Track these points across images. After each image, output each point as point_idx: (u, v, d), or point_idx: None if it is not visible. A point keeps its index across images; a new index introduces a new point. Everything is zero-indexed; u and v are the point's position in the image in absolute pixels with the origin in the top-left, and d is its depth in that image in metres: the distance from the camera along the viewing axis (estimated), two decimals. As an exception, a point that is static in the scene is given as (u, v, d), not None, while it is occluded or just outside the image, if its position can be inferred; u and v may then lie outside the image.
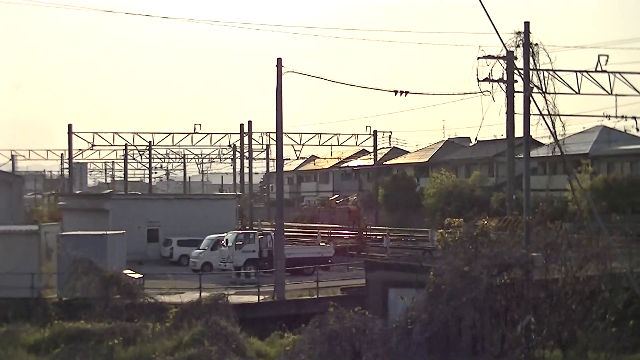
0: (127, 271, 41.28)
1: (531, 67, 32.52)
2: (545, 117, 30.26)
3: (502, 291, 25.13)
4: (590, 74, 38.72)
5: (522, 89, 34.21)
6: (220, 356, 25.93)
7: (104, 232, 44.16)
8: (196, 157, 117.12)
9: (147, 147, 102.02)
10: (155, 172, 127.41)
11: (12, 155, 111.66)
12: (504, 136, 43.31)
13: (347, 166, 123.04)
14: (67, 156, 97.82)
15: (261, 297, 41.46)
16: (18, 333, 31.33)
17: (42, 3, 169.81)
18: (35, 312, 35.01)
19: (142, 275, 41.88)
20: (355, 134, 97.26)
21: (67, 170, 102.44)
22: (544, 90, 31.68)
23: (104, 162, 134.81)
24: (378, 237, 71.45)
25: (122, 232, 45.58)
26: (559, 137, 31.07)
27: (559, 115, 31.50)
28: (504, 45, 30.23)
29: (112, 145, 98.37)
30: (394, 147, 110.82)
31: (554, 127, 30.37)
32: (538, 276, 25.26)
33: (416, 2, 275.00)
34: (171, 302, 35.55)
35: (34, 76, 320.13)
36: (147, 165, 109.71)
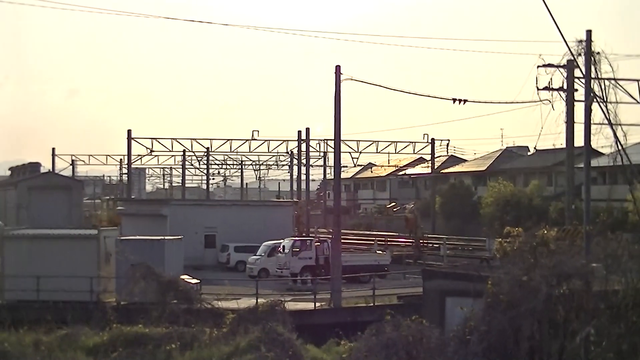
0: (184, 276, 41.56)
1: (592, 75, 32.15)
2: (606, 126, 29.91)
3: (561, 302, 24.81)
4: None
5: (581, 98, 33.87)
6: (276, 362, 25.94)
7: (162, 237, 44.49)
8: (254, 163, 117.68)
9: (205, 153, 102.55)
10: (213, 178, 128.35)
11: (72, 160, 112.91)
12: (563, 145, 42.89)
13: (405, 174, 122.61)
14: (126, 161, 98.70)
15: (317, 304, 41.48)
16: (77, 336, 31.67)
17: (102, 10, 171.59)
18: (93, 316, 35.31)
19: (199, 281, 42.13)
20: (412, 142, 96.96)
21: (126, 175, 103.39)
22: (605, 99, 31.26)
23: (162, 168, 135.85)
24: (435, 245, 71.13)
25: (179, 237, 45.88)
26: (620, 147, 30.65)
27: (620, 124, 31.08)
28: (570, 51, 29.94)
29: (170, 151, 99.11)
30: (452, 155, 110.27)
31: (615, 137, 29.99)
32: (598, 287, 24.91)
33: (475, 10, 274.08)
34: (228, 308, 35.69)
35: (93, 82, 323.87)
36: (205, 171, 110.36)
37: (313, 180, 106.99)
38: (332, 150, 50.91)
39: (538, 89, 35.66)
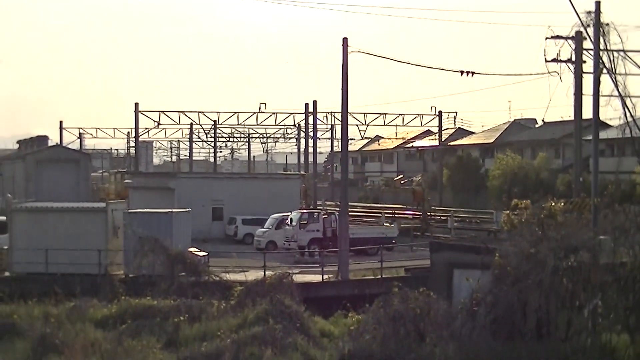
0: (192, 249, 41.66)
1: (601, 47, 31.97)
2: (615, 97, 29.77)
3: (569, 274, 24.82)
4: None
5: (590, 70, 33.70)
6: (284, 335, 26.00)
7: (170, 210, 44.55)
8: (261, 136, 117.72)
9: (213, 126, 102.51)
10: (220, 151, 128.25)
11: (80, 133, 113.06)
12: (571, 117, 42.75)
13: (412, 147, 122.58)
14: (133, 134, 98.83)
15: (325, 277, 41.56)
16: (86, 308, 31.79)
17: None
18: (102, 288, 35.46)
19: (207, 254, 42.21)
20: (420, 115, 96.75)
21: (134, 148, 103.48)
22: (614, 70, 31.10)
23: (170, 141, 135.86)
24: (442, 218, 71.14)
25: (187, 210, 45.94)
26: (629, 119, 30.54)
27: (629, 96, 30.94)
28: (580, 21, 29.75)
29: (177, 124, 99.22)
30: (459, 127, 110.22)
31: (624, 108, 29.86)
32: (605, 259, 24.92)
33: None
34: (236, 281, 35.80)
35: (101, 55, 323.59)
36: (212, 144, 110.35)
37: (320, 153, 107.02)
38: (340, 122, 50.85)
39: (546, 61, 35.44)
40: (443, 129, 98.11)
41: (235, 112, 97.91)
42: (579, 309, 24.58)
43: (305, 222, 54.96)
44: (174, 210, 45.34)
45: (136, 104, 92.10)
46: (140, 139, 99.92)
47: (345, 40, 42.00)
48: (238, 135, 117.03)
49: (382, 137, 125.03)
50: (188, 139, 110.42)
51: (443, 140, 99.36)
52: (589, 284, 24.76)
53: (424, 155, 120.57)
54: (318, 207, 71.92)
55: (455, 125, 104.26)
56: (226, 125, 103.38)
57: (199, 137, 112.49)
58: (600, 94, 32.53)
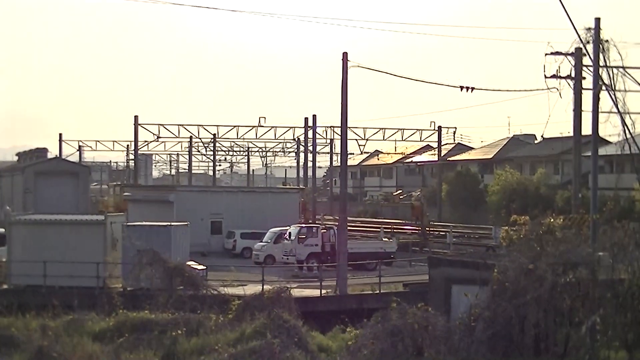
0: (190, 262, 41.61)
1: (601, 63, 32.02)
2: (614, 114, 29.82)
3: (567, 290, 24.77)
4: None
5: (590, 86, 33.74)
6: (282, 349, 25.95)
7: (169, 224, 44.52)
8: (260, 150, 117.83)
9: (212, 140, 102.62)
10: (220, 165, 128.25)
11: (80, 146, 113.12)
12: (571, 133, 42.76)
13: (411, 161, 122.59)
14: (132, 147, 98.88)
15: (323, 291, 41.51)
16: (83, 321, 31.74)
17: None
18: (100, 301, 35.40)
19: (205, 267, 42.20)
20: (419, 130, 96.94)
21: (133, 161, 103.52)
22: (613, 87, 31.14)
23: (169, 154, 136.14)
24: (441, 233, 71.14)
25: (186, 223, 45.92)
26: (628, 136, 30.57)
27: (628, 113, 30.98)
28: (579, 37, 29.82)
29: (177, 137, 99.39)
30: (459, 143, 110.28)
31: (623, 125, 29.91)
32: (604, 276, 24.86)
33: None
34: (234, 294, 35.76)
35: (101, 67, 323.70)
36: (212, 157, 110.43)
37: (319, 167, 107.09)
38: (339, 137, 50.87)
39: (546, 77, 35.47)
40: (442, 144, 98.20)
41: (234, 126, 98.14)
42: (577, 325, 24.52)
43: (304, 236, 54.92)
44: (172, 223, 45.32)
45: (136, 117, 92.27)
46: (139, 152, 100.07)
47: (345, 55, 42.09)
48: (237, 148, 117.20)
49: (382, 152, 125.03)
50: (187, 152, 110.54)
51: (442, 155, 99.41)
52: (587, 300, 24.71)
53: (423, 170, 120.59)
54: (317, 222, 71.92)
55: (454, 140, 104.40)
56: (226, 139, 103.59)
57: (198, 151, 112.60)
58: (599, 110, 32.58)
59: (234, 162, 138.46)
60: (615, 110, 30.12)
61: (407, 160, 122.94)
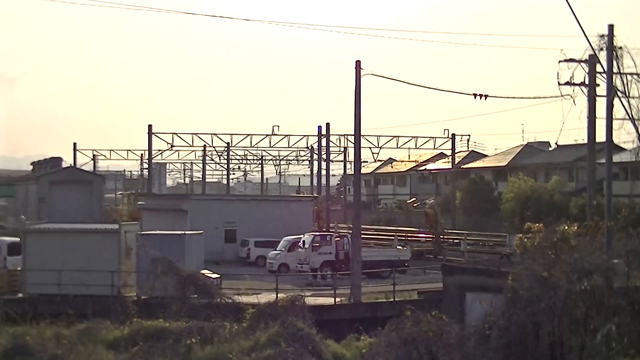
0: (204, 271, 41.63)
1: (614, 70, 31.97)
2: (628, 121, 29.79)
3: (582, 298, 24.73)
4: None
5: (604, 93, 33.69)
6: (296, 357, 25.98)
7: (183, 232, 44.57)
8: (274, 158, 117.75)
9: (226, 148, 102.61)
10: (233, 173, 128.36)
11: (94, 155, 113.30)
12: (584, 140, 42.69)
13: (425, 169, 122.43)
14: (146, 156, 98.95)
15: (337, 299, 41.47)
16: (98, 330, 31.78)
17: (121, 5, 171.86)
18: (114, 310, 35.43)
19: (219, 276, 42.23)
20: (433, 137, 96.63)
21: (147, 170, 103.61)
22: (627, 94, 31.10)
23: (183, 163, 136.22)
24: (455, 240, 70.98)
25: (200, 232, 45.96)
26: (642, 142, 30.54)
27: (643, 119, 30.94)
28: (590, 45, 29.84)
29: (191, 146, 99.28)
30: (472, 150, 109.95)
31: (637, 132, 29.87)
32: (619, 283, 24.82)
33: (496, 5, 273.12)
34: (248, 303, 35.75)
35: (115, 77, 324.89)
36: (225, 166, 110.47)
37: (333, 175, 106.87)
38: (353, 145, 50.83)
39: (559, 84, 35.44)
40: (456, 151, 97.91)
41: (248, 134, 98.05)
42: (592, 333, 24.46)
43: (317, 244, 54.91)
44: (186, 232, 45.38)
45: (150, 126, 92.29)
46: (153, 161, 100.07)
47: (358, 63, 42.10)
48: (251, 157, 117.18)
49: (395, 160, 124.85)
50: (201, 161, 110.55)
51: (456, 163, 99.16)
52: (602, 307, 24.65)
53: (437, 178, 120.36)
54: (331, 230, 71.86)
55: (468, 148, 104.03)
56: (239, 148, 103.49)
57: (212, 159, 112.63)
58: (613, 117, 32.55)
59: (248, 171, 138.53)
60: (628, 117, 30.08)
61: (421, 168, 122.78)
